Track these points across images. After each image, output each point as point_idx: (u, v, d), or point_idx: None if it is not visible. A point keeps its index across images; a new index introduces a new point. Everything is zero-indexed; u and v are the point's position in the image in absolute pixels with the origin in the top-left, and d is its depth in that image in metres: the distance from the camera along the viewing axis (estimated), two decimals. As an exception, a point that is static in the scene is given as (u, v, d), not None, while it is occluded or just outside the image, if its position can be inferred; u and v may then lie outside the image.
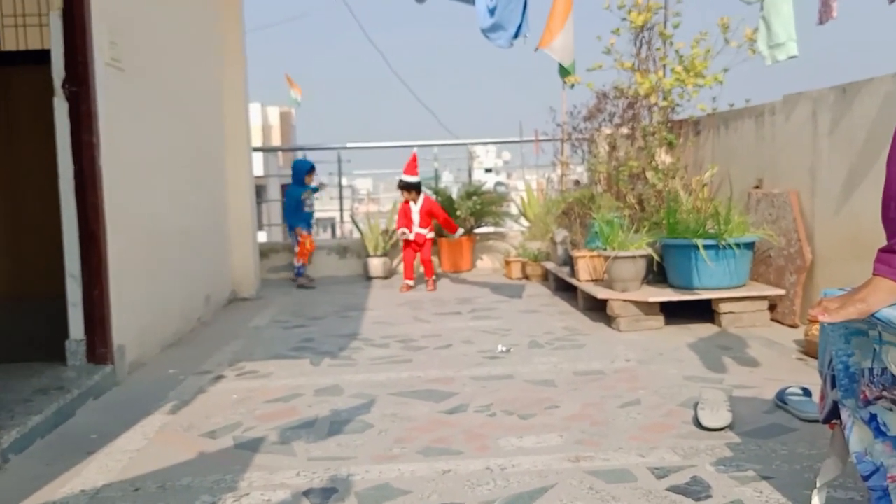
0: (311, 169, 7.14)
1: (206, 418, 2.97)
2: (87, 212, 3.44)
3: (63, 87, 3.45)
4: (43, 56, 4.47)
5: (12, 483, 2.37)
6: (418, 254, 6.51)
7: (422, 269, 6.64)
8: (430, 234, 6.50)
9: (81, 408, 3.11)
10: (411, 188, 6.41)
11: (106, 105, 3.55)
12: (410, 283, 6.37)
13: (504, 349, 3.96)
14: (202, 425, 2.89)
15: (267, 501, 2.18)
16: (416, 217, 6.41)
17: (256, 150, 8.07)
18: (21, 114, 5.13)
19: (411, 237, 6.41)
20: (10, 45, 5.27)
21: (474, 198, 7.32)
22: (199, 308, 5.04)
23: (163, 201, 4.38)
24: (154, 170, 4.26)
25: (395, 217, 6.96)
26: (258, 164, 15.89)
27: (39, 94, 4.01)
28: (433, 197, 7.13)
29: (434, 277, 6.52)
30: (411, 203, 6.44)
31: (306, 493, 2.22)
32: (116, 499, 2.23)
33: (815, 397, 2.78)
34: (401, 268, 7.60)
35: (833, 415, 1.84)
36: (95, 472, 2.45)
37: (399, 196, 6.75)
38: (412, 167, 6.49)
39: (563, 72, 6.43)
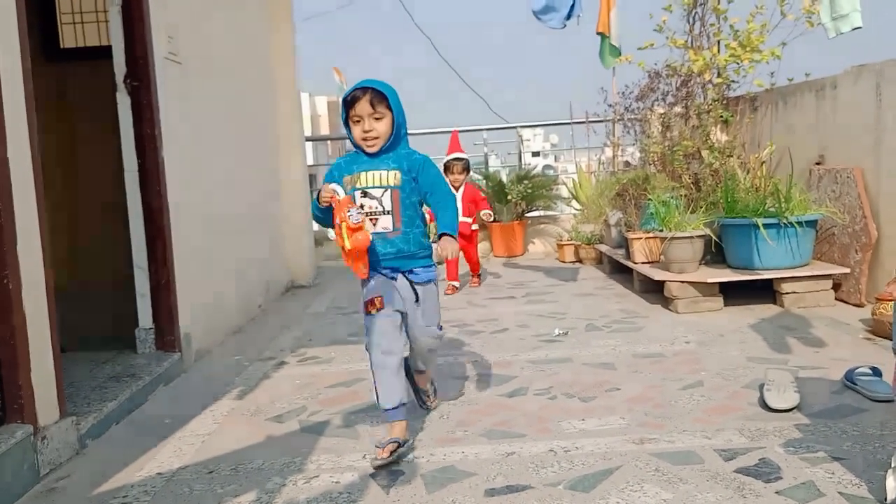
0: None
1: (271, 403, 3.04)
2: (151, 203, 3.54)
3: (125, 81, 3.55)
4: (98, 52, 4.59)
5: (91, 467, 2.47)
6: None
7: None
8: (476, 226, 5.70)
9: (153, 394, 3.22)
10: (466, 168, 5.64)
11: (165, 98, 3.64)
12: (456, 283, 5.53)
13: (561, 332, 3.95)
14: (268, 410, 2.96)
15: (336, 483, 2.22)
16: (459, 201, 5.47)
17: (306, 139, 8.15)
18: (78, 108, 5.28)
19: None
20: (69, 42, 5.42)
21: (525, 182, 7.29)
22: (259, 296, 5.14)
23: (221, 192, 4.47)
24: (212, 161, 4.35)
25: None
26: (308, 154, 16.02)
27: (96, 90, 4.13)
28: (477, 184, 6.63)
29: (479, 273, 5.87)
30: (451, 187, 5.47)
31: (373, 476, 2.26)
32: (191, 481, 2.31)
33: (887, 377, 2.71)
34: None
35: (909, 394, 1.80)
36: (170, 455, 2.53)
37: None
38: (457, 145, 5.71)
39: (609, 55, 6.36)
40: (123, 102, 3.54)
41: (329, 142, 21.79)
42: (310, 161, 8.81)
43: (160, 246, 3.54)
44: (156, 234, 3.54)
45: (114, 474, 2.39)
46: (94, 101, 4.46)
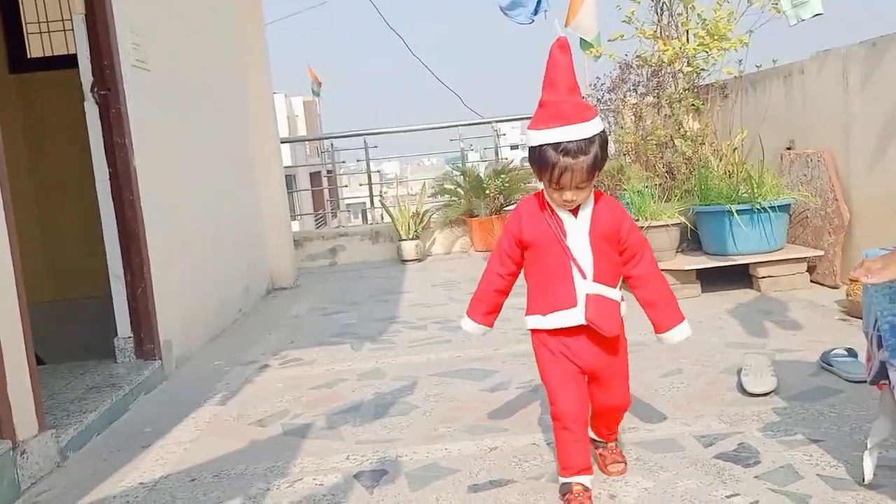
0: None
1: (254, 407, 3.04)
2: (125, 211, 3.51)
3: (92, 90, 3.51)
4: (67, 60, 4.55)
5: (73, 480, 2.45)
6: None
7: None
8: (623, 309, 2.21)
9: (134, 403, 3.20)
10: (597, 163, 1.87)
11: (134, 106, 3.60)
12: (587, 482, 1.96)
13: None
14: (251, 414, 2.95)
15: (319, 485, 2.23)
16: (584, 246, 1.99)
17: (283, 141, 8.12)
18: (48, 118, 5.23)
19: (575, 321, 2.07)
20: (36, 52, 5.37)
21: (503, 176, 7.30)
22: (240, 299, 5.11)
23: (197, 197, 4.44)
24: (186, 166, 4.32)
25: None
26: (286, 155, 15.95)
27: (65, 98, 4.09)
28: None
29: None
30: (557, 208, 1.96)
31: (357, 476, 2.27)
32: (174, 489, 2.30)
33: (861, 358, 2.75)
34: (435, 249, 7.60)
35: (881, 375, 1.83)
36: (152, 464, 2.52)
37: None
38: (573, 83, 1.91)
39: (585, 45, 6.37)
40: (92, 111, 3.50)
41: (307, 143, 21.69)
42: (287, 162, 8.80)
43: (136, 254, 3.51)
44: (131, 242, 3.51)
45: (95, 486, 2.38)
46: (63, 110, 4.42)
